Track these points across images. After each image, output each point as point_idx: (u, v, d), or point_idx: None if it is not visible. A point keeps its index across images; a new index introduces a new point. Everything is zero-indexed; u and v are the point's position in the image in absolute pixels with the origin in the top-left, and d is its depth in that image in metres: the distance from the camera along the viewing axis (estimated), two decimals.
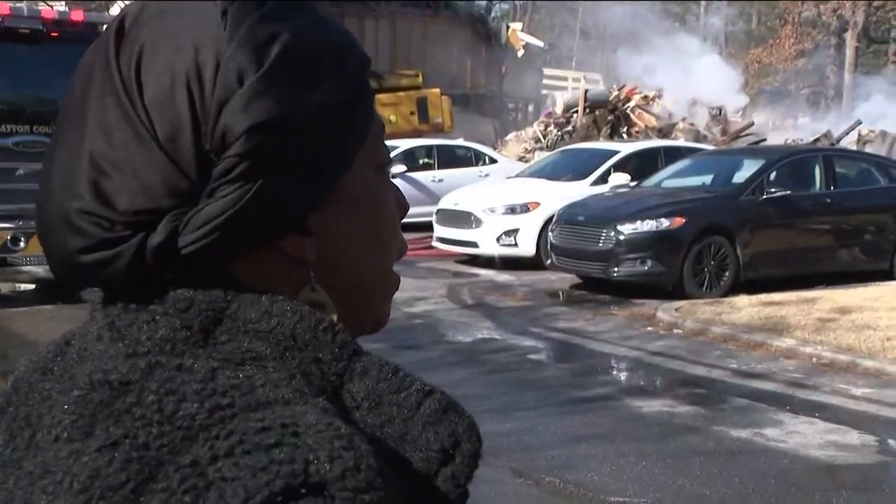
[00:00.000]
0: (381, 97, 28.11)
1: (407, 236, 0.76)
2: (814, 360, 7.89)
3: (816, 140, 20.74)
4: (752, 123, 22.22)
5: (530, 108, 36.14)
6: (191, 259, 0.62)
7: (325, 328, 0.63)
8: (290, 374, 0.61)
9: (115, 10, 30.52)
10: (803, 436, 6.06)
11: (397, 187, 0.76)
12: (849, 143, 21.07)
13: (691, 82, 24.09)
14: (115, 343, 0.62)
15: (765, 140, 20.41)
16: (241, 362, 0.61)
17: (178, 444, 0.54)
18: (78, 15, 10.68)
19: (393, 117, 28.28)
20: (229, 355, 0.61)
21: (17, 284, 10.84)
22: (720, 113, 24.65)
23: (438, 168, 16.97)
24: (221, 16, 0.62)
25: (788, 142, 20.48)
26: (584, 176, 13.22)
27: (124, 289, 0.63)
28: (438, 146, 18.02)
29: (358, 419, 0.62)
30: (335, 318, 0.66)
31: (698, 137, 21.14)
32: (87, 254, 0.62)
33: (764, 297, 9.93)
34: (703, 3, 50.58)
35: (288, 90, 0.62)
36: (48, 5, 24.63)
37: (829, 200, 11.39)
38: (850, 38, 39.57)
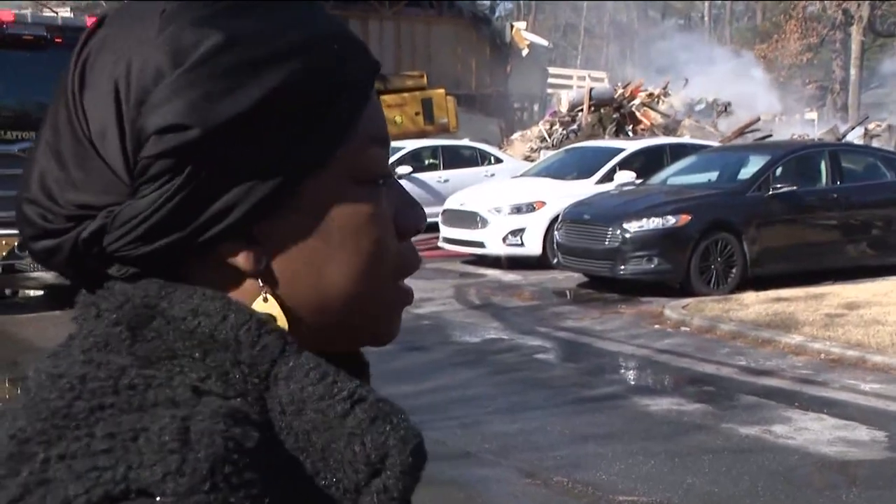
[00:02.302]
0: (386, 98, 28.12)
1: (412, 238, 0.73)
2: (822, 356, 7.88)
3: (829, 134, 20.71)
4: (758, 119, 22.18)
5: (536, 107, 36.12)
6: (127, 256, 0.62)
7: (247, 330, 0.62)
8: (206, 375, 0.60)
9: None
10: (812, 432, 6.05)
11: (408, 202, 0.71)
12: (855, 137, 21.03)
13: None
14: (77, 335, 0.64)
15: (770, 135, 20.38)
16: (155, 360, 0.60)
17: (52, 441, 0.55)
18: (88, 21, 10.72)
19: (398, 118, 28.29)
20: (148, 353, 0.61)
21: (26, 290, 10.88)
22: (725, 109, 24.65)
23: (444, 168, 16.98)
24: (160, 17, 0.62)
25: (794, 137, 20.45)
26: (589, 174, 13.22)
27: (76, 282, 0.66)
28: (444, 146, 18.02)
29: (284, 425, 0.61)
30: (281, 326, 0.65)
31: (704, 134, 21.13)
32: (35, 242, 0.64)
33: (772, 293, 9.92)
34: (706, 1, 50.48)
35: (204, 94, 0.60)
36: (52, 11, 24.74)
37: (835, 195, 11.37)
38: (855, 33, 39.47)
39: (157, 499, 0.53)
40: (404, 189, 0.72)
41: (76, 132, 0.62)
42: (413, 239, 0.73)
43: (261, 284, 0.65)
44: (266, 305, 0.65)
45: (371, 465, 0.61)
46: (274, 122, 0.62)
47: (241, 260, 0.64)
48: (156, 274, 0.63)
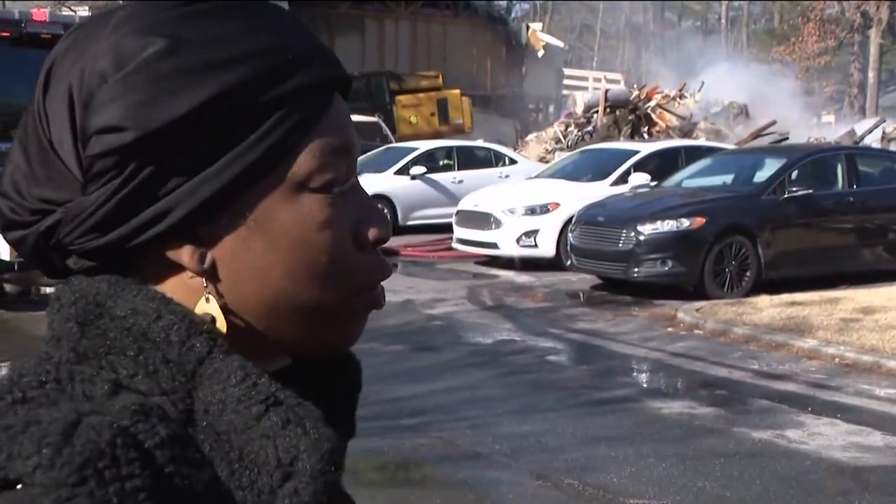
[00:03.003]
0: (401, 98, 28.19)
1: (426, 238, 0.70)
2: (836, 360, 7.84)
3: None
4: (774, 122, 22.05)
5: (551, 108, 36.08)
6: (79, 250, 0.66)
7: (177, 329, 0.63)
8: (135, 372, 0.63)
9: None
10: (825, 437, 6.02)
11: (368, 212, 0.70)
12: (873, 141, 20.90)
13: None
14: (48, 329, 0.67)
15: (787, 138, 20.27)
16: (92, 356, 0.64)
17: None
18: None
19: (414, 118, 28.32)
20: (87, 349, 0.64)
21: (42, 288, 10.94)
22: (741, 112, 24.55)
23: (458, 169, 16.96)
24: (111, 24, 0.65)
25: (811, 140, 20.35)
26: (604, 176, 13.19)
27: (46, 272, 0.69)
28: (458, 147, 18.00)
29: (205, 425, 0.62)
30: (219, 329, 0.66)
31: (720, 137, 21.04)
32: (7, 233, 0.68)
33: (786, 297, 9.86)
34: (724, 2, 50.28)
35: (143, 97, 0.62)
36: (71, 10, 24.88)
37: (851, 199, 11.31)
38: (874, 35, 39.24)
39: (18, 486, 0.54)
40: (369, 199, 0.72)
41: (38, 133, 0.66)
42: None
43: (204, 284, 0.66)
44: (208, 306, 0.66)
45: (282, 467, 0.62)
46: (213, 129, 0.63)
47: (185, 258, 0.66)
48: (111, 268, 0.66)
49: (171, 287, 0.67)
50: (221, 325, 0.66)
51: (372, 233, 0.70)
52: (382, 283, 0.72)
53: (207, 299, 0.66)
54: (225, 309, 0.66)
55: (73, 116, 0.64)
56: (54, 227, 0.65)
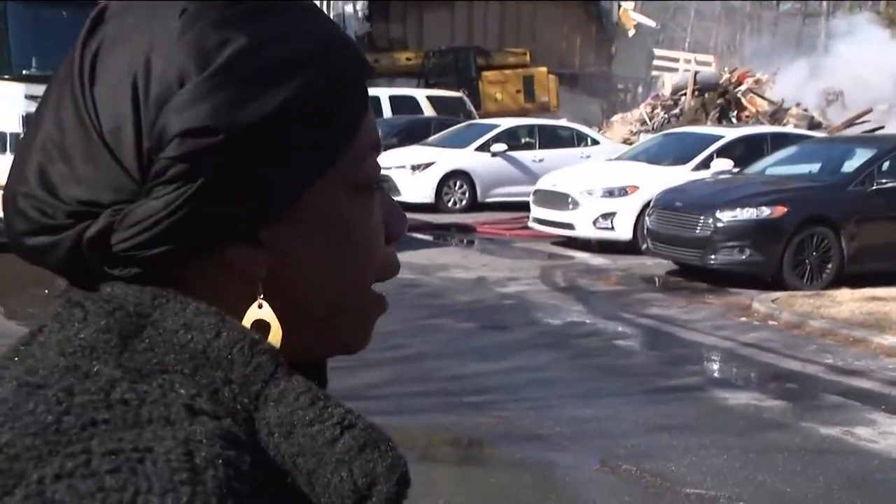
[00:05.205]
0: (487, 75, 28.11)
1: (504, 215, 0.70)
2: None
3: None
4: (871, 110, 21.39)
5: (640, 89, 35.60)
6: (132, 257, 0.61)
7: (240, 349, 0.61)
8: (197, 392, 0.58)
9: None
10: None
11: (394, 208, 0.72)
12: None
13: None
14: (57, 335, 0.62)
15: (882, 128, 19.64)
16: (147, 374, 0.59)
17: (44, 456, 0.52)
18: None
19: (499, 95, 28.21)
20: (139, 365, 0.59)
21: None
22: (837, 98, 23.85)
23: (539, 148, 16.87)
24: (179, 16, 0.62)
25: None
26: (686, 161, 12.98)
27: (69, 277, 0.64)
28: (540, 126, 17.89)
29: (272, 446, 0.60)
30: (274, 339, 0.64)
31: (812, 124, 20.51)
32: (30, 237, 0.62)
33: (867, 291, 9.60)
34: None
35: (229, 98, 0.60)
36: None
37: None
38: None
39: None
40: (389, 195, 0.73)
41: (85, 127, 0.61)
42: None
43: (260, 289, 0.64)
44: (261, 312, 0.64)
45: (358, 492, 0.60)
46: (289, 127, 0.62)
47: (247, 263, 0.63)
48: (156, 273, 0.62)
49: (225, 292, 0.64)
50: (276, 330, 0.64)
51: (397, 229, 0.71)
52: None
53: (261, 305, 0.64)
54: (279, 313, 0.64)
55: (137, 113, 0.60)
56: (104, 232, 0.60)
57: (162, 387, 0.58)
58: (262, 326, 0.64)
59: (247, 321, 0.64)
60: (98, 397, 0.55)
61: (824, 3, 53.20)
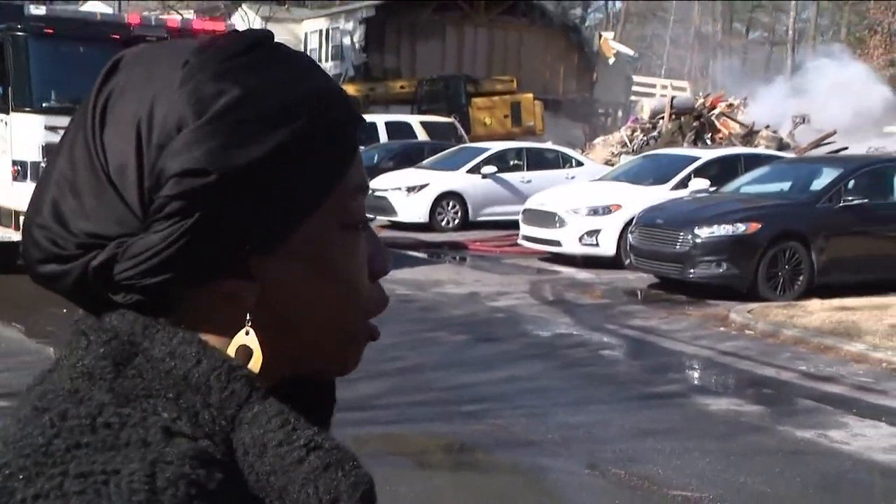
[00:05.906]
0: (477, 101, 28.23)
1: (495, 234, 0.70)
2: (884, 365, 7.63)
3: None
4: (835, 132, 21.47)
5: (619, 113, 35.72)
6: (133, 285, 0.63)
7: (217, 375, 0.63)
8: (178, 415, 0.61)
9: (235, 18, 31.23)
10: (868, 439, 5.87)
11: (379, 247, 0.73)
12: None
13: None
14: (66, 361, 0.64)
15: (846, 148, 19.73)
16: (134, 398, 0.61)
17: (32, 477, 0.55)
18: (198, 24, 10.98)
19: (488, 120, 28.31)
20: (128, 390, 0.62)
21: None
22: (803, 121, 23.95)
23: (527, 169, 16.89)
24: (182, 67, 0.64)
25: (871, 150, 19.76)
26: (665, 180, 13.01)
27: (79, 302, 0.66)
28: (528, 149, 17.92)
29: (246, 466, 0.62)
30: (254, 365, 0.66)
31: (781, 145, 20.59)
32: (43, 265, 0.65)
33: (836, 301, 9.63)
34: (791, 13, 49.09)
35: (223, 143, 0.62)
36: (178, 13, 25.40)
37: None
38: None
39: None
40: (376, 234, 0.74)
41: (94, 166, 0.63)
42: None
43: (248, 317, 0.66)
44: (247, 338, 0.66)
45: None
46: (279, 171, 0.64)
47: (238, 291, 0.65)
48: (155, 300, 0.64)
49: (216, 319, 0.66)
50: (258, 357, 0.66)
51: (381, 266, 0.73)
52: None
53: (247, 332, 0.66)
54: (264, 340, 0.66)
55: (140, 155, 0.63)
56: (108, 262, 0.63)
57: (145, 410, 0.60)
58: (247, 352, 0.66)
59: (233, 346, 0.66)
60: (86, 422, 0.58)
61: (790, 32, 53.53)
